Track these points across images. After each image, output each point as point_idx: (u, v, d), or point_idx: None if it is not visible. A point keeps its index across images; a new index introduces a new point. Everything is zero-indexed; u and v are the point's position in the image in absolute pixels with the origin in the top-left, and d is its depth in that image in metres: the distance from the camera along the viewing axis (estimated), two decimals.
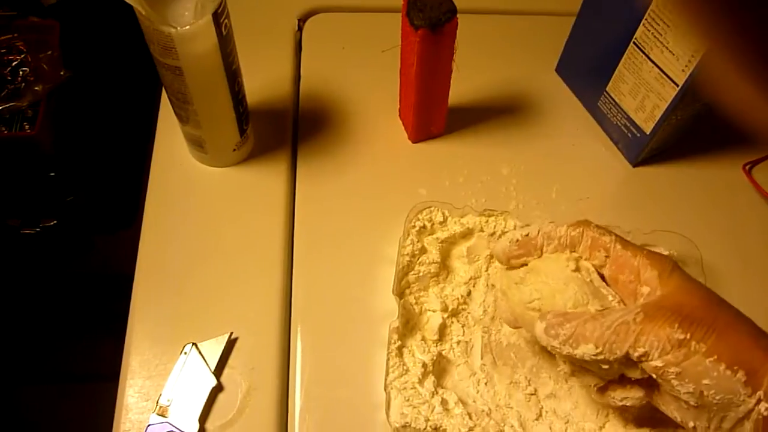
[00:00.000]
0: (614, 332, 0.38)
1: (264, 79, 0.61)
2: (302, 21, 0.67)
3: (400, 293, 0.50)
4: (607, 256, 0.44)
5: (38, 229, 0.76)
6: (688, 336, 0.37)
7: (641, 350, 0.38)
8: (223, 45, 0.46)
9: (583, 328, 0.39)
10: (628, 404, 0.42)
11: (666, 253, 0.53)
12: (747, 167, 0.60)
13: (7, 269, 0.85)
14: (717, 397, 0.37)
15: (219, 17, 0.44)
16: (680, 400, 0.39)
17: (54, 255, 0.86)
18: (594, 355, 0.39)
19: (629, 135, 0.58)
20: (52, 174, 0.71)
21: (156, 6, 0.44)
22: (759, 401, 0.36)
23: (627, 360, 0.39)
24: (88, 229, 0.82)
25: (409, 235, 0.51)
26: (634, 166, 0.60)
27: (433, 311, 0.50)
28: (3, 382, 1.00)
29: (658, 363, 0.38)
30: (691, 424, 0.39)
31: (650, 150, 0.58)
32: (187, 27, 0.43)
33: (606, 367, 0.39)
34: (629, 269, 0.42)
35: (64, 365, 1.01)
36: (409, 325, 0.50)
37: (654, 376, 0.39)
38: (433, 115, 0.57)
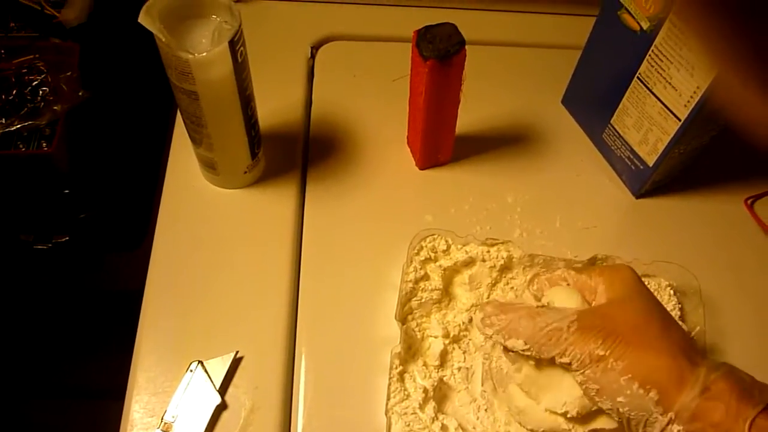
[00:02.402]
0: (546, 335, 0.40)
1: (276, 103, 0.63)
2: (315, 49, 0.69)
3: (403, 319, 0.51)
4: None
5: (50, 245, 0.78)
6: (608, 353, 0.39)
7: (566, 360, 0.39)
8: (238, 71, 0.47)
9: (517, 323, 0.41)
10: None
11: (666, 283, 0.53)
12: (749, 201, 0.61)
13: (19, 283, 0.87)
14: (632, 414, 0.39)
15: (235, 45, 0.45)
16: None
17: (65, 271, 0.87)
18: (522, 350, 0.41)
19: (632, 167, 0.59)
20: (67, 191, 0.73)
21: (175, 33, 0.46)
22: (671, 421, 0.37)
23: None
24: (99, 246, 0.83)
25: (412, 262, 0.52)
26: (637, 198, 0.61)
27: (435, 337, 0.51)
28: (12, 395, 1.01)
29: (580, 377, 0.40)
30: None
31: (653, 182, 0.59)
32: (204, 54, 0.44)
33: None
34: (589, 290, 0.44)
35: (72, 380, 1.02)
36: (411, 350, 0.50)
37: (581, 387, 0.40)
38: (441, 143, 0.58)
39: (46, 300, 0.94)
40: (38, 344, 0.98)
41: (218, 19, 0.47)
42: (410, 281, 0.51)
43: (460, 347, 0.51)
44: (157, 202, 0.59)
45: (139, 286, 0.58)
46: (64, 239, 0.77)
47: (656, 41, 0.51)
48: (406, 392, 0.48)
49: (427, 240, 0.53)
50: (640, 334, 0.39)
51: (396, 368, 0.48)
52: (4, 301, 0.92)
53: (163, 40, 0.43)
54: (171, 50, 0.44)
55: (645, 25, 0.51)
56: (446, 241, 0.53)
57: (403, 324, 0.50)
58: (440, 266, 0.52)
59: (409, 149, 0.62)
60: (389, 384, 0.48)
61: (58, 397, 1.03)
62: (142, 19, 0.43)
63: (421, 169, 0.61)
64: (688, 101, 0.50)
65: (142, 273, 0.58)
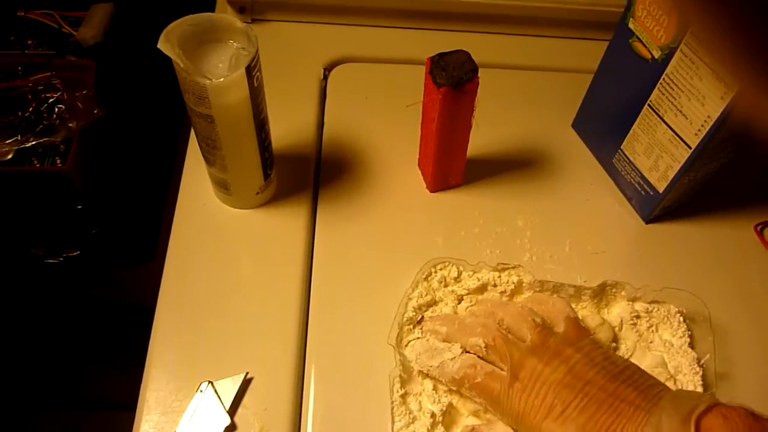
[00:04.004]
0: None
1: (289, 125, 0.64)
2: (327, 70, 0.69)
3: (399, 342, 0.51)
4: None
5: (61, 259, 0.78)
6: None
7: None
8: (253, 96, 0.48)
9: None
10: None
11: (675, 310, 0.53)
12: (759, 228, 0.61)
13: (29, 296, 0.87)
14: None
15: (252, 70, 0.46)
16: None
17: (74, 284, 0.88)
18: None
19: (642, 193, 0.59)
20: (79, 207, 0.73)
21: (192, 57, 0.47)
22: None
23: None
24: (108, 262, 0.84)
25: (417, 286, 0.52)
26: (647, 223, 0.61)
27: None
28: (22, 407, 1.01)
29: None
30: None
31: (663, 208, 0.59)
32: (222, 79, 0.45)
33: None
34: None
35: (81, 392, 1.02)
36: (413, 373, 0.50)
37: None
38: (452, 167, 0.59)
39: (55, 312, 0.94)
40: (47, 356, 0.99)
41: (235, 44, 0.48)
42: (414, 306, 0.52)
43: None
44: (166, 218, 0.60)
45: (147, 299, 0.58)
46: (75, 253, 0.78)
47: (667, 70, 0.51)
48: (411, 415, 0.48)
49: (438, 267, 0.53)
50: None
51: (397, 392, 0.49)
52: (14, 313, 0.93)
53: (182, 65, 0.44)
54: (189, 75, 0.45)
55: (656, 54, 0.52)
56: (457, 269, 0.53)
57: (403, 347, 0.50)
58: (452, 291, 0.52)
59: (419, 172, 0.62)
60: (392, 407, 0.48)
61: (67, 409, 1.03)
62: (162, 45, 0.44)
63: (432, 191, 0.61)
64: (699, 130, 0.51)
65: (150, 287, 0.59)
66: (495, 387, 0.46)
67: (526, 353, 0.46)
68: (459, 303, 0.53)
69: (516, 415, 0.45)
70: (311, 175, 0.62)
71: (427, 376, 0.50)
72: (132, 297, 0.95)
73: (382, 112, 0.66)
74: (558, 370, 0.44)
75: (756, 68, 0.18)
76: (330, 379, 0.51)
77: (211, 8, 0.72)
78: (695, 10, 0.17)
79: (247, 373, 0.51)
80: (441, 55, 0.49)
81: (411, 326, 0.52)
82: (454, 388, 0.48)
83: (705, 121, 0.50)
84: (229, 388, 0.50)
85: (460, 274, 0.54)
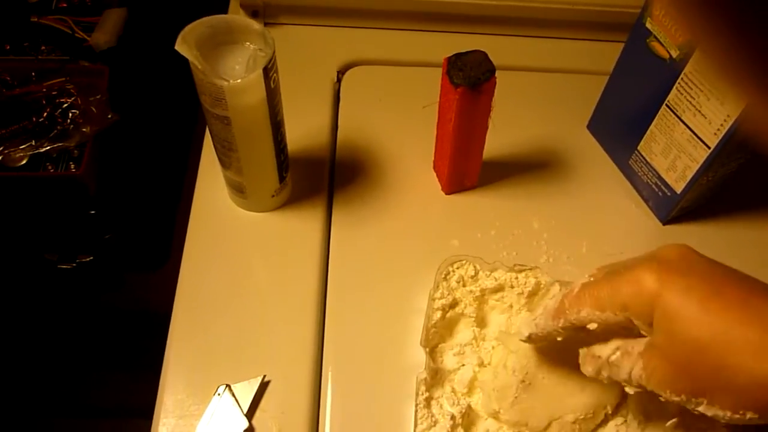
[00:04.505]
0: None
1: (303, 127, 0.63)
2: (341, 73, 0.69)
3: (429, 345, 0.51)
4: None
5: (74, 264, 0.78)
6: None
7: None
8: (270, 97, 0.48)
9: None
10: None
11: None
12: None
13: (42, 302, 0.87)
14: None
15: (269, 71, 0.46)
16: None
17: (87, 289, 0.88)
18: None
19: (660, 193, 0.59)
20: (93, 212, 0.73)
21: (208, 59, 0.46)
22: None
23: None
24: (122, 267, 0.84)
25: (439, 287, 0.52)
26: (665, 224, 0.60)
27: (464, 365, 0.50)
28: (37, 413, 1.01)
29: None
30: None
31: (681, 209, 0.59)
32: (239, 80, 0.45)
33: None
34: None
35: (94, 399, 1.02)
36: (437, 376, 0.50)
37: None
38: (468, 169, 0.59)
39: (67, 318, 0.94)
40: (59, 362, 0.99)
41: (251, 45, 0.48)
42: (438, 308, 0.51)
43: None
44: (180, 223, 0.60)
45: (161, 305, 0.58)
46: (88, 259, 0.78)
47: (686, 69, 0.51)
48: (433, 419, 0.48)
49: (455, 266, 0.53)
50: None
51: (422, 395, 0.48)
52: (26, 318, 0.93)
53: (199, 67, 0.44)
54: (206, 77, 0.44)
55: (674, 54, 0.51)
56: (474, 267, 0.53)
57: (431, 350, 0.50)
58: (471, 291, 0.52)
59: (435, 174, 0.62)
60: (416, 410, 0.48)
61: (80, 416, 1.03)
62: (179, 47, 0.44)
63: (448, 193, 0.61)
64: (718, 129, 0.50)
65: (164, 292, 0.59)
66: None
67: None
68: (479, 304, 0.53)
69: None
70: (326, 178, 0.62)
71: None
72: (145, 303, 0.95)
73: (395, 115, 0.66)
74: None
75: (763, 86, 0.18)
76: (347, 381, 0.51)
77: (224, 12, 0.72)
78: (702, 29, 0.17)
79: (264, 376, 0.50)
80: (458, 55, 0.49)
81: (436, 330, 0.51)
82: (560, 331, 0.43)
83: (725, 121, 0.49)
84: (246, 391, 0.50)
85: (477, 272, 0.53)
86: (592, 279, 0.43)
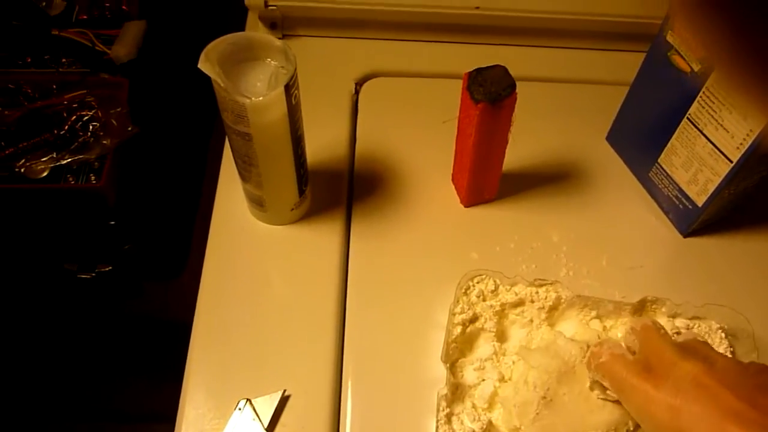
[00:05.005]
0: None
1: (322, 140, 0.64)
2: (359, 85, 0.69)
3: (450, 360, 0.51)
4: None
5: (93, 274, 0.79)
6: None
7: None
8: (291, 114, 0.48)
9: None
10: None
11: (717, 326, 0.52)
12: None
13: (62, 310, 0.88)
14: None
15: (290, 89, 0.46)
16: None
17: (105, 298, 0.89)
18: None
19: (680, 206, 0.58)
20: (112, 222, 0.74)
21: (230, 75, 0.47)
22: None
23: None
24: (140, 276, 0.85)
25: (459, 302, 0.52)
26: (685, 237, 0.60)
27: (485, 380, 0.50)
28: (58, 418, 1.02)
29: None
30: None
31: (702, 221, 0.58)
32: (261, 98, 0.45)
33: None
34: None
35: (117, 404, 1.03)
36: (458, 391, 0.50)
37: None
38: (487, 182, 0.58)
39: (86, 326, 0.95)
40: (78, 369, 1.00)
41: (273, 62, 0.48)
42: (458, 323, 0.51)
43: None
44: (197, 234, 0.60)
45: (178, 312, 0.59)
46: (107, 269, 0.79)
47: (707, 83, 0.51)
48: None
49: (475, 280, 0.53)
50: None
51: (443, 410, 0.48)
52: (47, 326, 0.94)
53: (222, 85, 0.44)
54: (228, 95, 0.45)
55: (696, 67, 0.51)
56: (494, 282, 0.53)
57: (452, 365, 0.50)
58: (491, 306, 0.52)
59: (453, 186, 0.62)
60: (437, 427, 0.48)
61: (101, 420, 1.04)
62: (202, 65, 0.44)
63: (466, 206, 0.61)
64: (741, 144, 0.50)
65: (181, 300, 0.59)
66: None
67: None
68: (499, 319, 0.52)
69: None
70: (344, 191, 0.62)
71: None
72: (162, 311, 0.96)
73: (413, 126, 0.66)
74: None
75: None
76: (367, 396, 0.51)
77: (242, 24, 0.72)
78: (720, 47, 0.17)
79: (284, 391, 0.51)
80: (479, 70, 0.49)
81: (456, 345, 0.51)
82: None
83: (747, 135, 0.49)
84: (267, 405, 0.50)
85: (497, 287, 0.53)
86: (623, 346, 0.47)
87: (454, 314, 0.52)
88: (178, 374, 0.53)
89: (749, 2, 0.16)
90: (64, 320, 0.91)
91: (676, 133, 0.56)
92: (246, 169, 0.53)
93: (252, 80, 0.48)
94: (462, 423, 0.48)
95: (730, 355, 0.51)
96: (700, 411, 0.38)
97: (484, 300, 0.53)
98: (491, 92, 0.48)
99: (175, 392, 0.52)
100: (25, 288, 0.84)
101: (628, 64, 0.61)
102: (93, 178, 0.67)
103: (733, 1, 0.16)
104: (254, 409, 0.50)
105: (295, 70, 0.46)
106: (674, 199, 0.59)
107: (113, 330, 0.95)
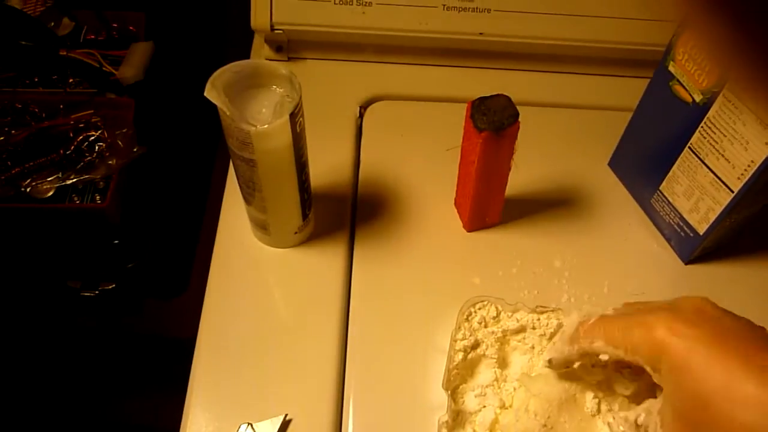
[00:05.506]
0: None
1: (325, 163, 0.64)
2: (363, 108, 0.70)
3: (451, 387, 0.51)
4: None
5: (97, 292, 0.79)
6: None
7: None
8: (296, 141, 0.48)
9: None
10: None
11: None
12: None
13: (65, 327, 0.88)
14: None
15: (295, 117, 0.47)
16: None
17: (108, 315, 0.89)
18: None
19: (682, 234, 0.59)
20: (116, 241, 0.74)
21: (235, 102, 0.47)
22: None
23: None
24: (143, 294, 0.85)
25: (461, 328, 0.52)
26: (687, 264, 0.60)
27: (485, 407, 0.50)
28: None
29: None
30: None
31: (703, 249, 0.59)
32: (266, 126, 0.45)
33: None
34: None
35: (118, 419, 1.03)
36: (459, 418, 0.50)
37: None
38: (490, 207, 0.59)
39: (89, 343, 0.95)
40: (80, 385, 1.00)
41: (278, 89, 0.49)
42: (459, 349, 0.51)
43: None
44: (200, 253, 0.60)
45: (180, 331, 0.59)
46: (110, 287, 0.79)
47: (709, 114, 0.51)
48: None
49: (477, 306, 0.53)
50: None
51: None
52: (50, 343, 0.94)
53: (228, 113, 0.45)
54: (234, 122, 0.45)
55: (698, 98, 0.52)
56: (496, 308, 0.53)
57: (453, 392, 0.50)
58: (492, 332, 0.52)
59: (456, 210, 0.62)
60: None
61: None
62: (208, 93, 0.44)
63: (469, 231, 0.61)
64: (742, 174, 0.50)
65: (182, 319, 0.59)
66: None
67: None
68: (501, 345, 0.53)
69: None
70: (348, 214, 0.62)
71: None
72: (163, 329, 0.96)
73: (417, 150, 0.66)
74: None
75: None
76: (369, 421, 0.51)
77: (248, 47, 0.73)
78: (735, 58, 0.17)
79: (286, 415, 0.51)
80: (482, 99, 0.50)
81: (458, 371, 0.51)
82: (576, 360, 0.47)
83: (748, 166, 0.49)
84: (268, 429, 0.50)
85: (498, 314, 0.53)
86: (611, 312, 0.45)
87: (455, 340, 0.52)
88: (179, 392, 0.53)
89: (763, 8, 0.16)
90: (66, 337, 0.91)
91: (678, 161, 0.56)
92: (250, 193, 0.53)
93: (257, 107, 0.48)
94: None
95: None
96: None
97: (485, 326, 0.53)
98: (494, 121, 0.49)
99: (175, 410, 0.52)
100: (29, 305, 0.84)
101: (630, 89, 0.61)
102: (98, 198, 0.68)
103: (746, 9, 0.16)
104: None
105: (300, 98, 0.47)
106: (676, 226, 0.59)
107: (115, 347, 0.95)
